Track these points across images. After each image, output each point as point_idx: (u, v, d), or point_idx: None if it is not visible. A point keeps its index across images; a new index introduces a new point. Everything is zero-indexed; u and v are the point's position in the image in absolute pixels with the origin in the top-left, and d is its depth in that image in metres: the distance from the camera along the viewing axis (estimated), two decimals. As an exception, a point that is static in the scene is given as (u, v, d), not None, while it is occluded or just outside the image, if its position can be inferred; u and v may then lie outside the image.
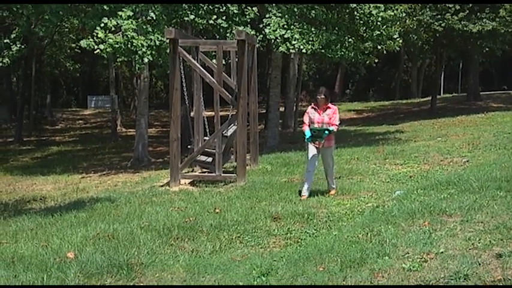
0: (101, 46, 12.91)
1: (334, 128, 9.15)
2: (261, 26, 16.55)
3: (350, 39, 17.35)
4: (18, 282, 5.49)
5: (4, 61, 16.76)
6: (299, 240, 7.07)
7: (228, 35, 15.67)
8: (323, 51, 16.87)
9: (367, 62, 20.40)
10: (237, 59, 12.62)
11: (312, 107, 9.30)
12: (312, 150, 9.27)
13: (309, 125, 9.19)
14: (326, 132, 9.01)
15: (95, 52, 13.17)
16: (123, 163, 21.30)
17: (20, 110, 33.09)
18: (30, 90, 33.48)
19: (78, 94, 51.52)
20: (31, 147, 29.49)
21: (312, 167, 9.30)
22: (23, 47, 16.35)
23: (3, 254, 6.80)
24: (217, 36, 16.25)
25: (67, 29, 28.57)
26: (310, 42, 16.20)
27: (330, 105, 9.25)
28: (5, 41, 15.98)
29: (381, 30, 17.53)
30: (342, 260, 5.34)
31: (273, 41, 16.20)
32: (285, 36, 15.87)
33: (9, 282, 5.47)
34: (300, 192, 9.45)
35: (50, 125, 38.56)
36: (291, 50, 16.45)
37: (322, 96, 9.14)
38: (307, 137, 9.14)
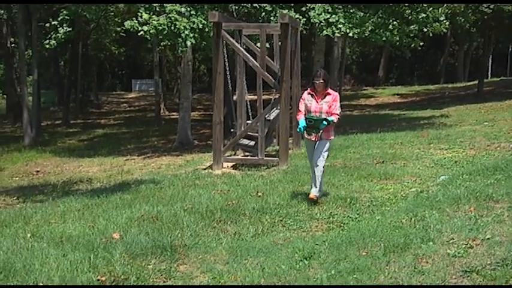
0: (145, 27, 13.03)
1: (334, 118, 7.79)
2: (304, 9, 16.42)
3: (395, 22, 17.07)
4: (67, 261, 5.64)
5: (51, 43, 17.11)
6: (341, 224, 7.04)
7: (271, 18, 15.61)
8: (368, 34, 16.65)
9: (412, 45, 20.06)
10: (280, 43, 12.56)
11: (309, 93, 7.90)
12: (309, 148, 8.13)
13: (305, 114, 7.89)
14: (324, 122, 7.71)
15: (139, 34, 13.31)
16: (166, 146, 21.56)
17: (67, 93, 33.75)
18: (77, 74, 34.08)
19: (123, 78, 52.20)
20: (77, 129, 30.11)
21: (311, 165, 8.22)
22: (69, 29, 16.62)
23: (52, 233, 6.99)
24: (261, 20, 16.20)
25: (112, 13, 28.90)
26: (356, 26, 15.99)
27: (329, 90, 7.89)
28: (53, 22, 16.26)
29: (427, 13, 17.18)
30: (385, 244, 5.31)
31: (317, 24, 16.07)
32: (330, 20, 15.70)
33: (58, 261, 5.62)
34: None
35: (95, 108, 39.24)
36: (336, 34, 16.28)
37: (321, 81, 7.76)
38: (300, 126, 7.88)
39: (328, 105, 7.80)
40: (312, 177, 8.10)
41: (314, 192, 7.90)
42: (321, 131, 7.83)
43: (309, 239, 6.36)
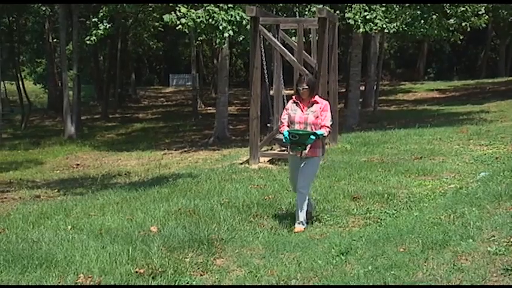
0: (183, 20, 13.10)
1: (324, 132, 6.68)
2: (340, 5, 16.31)
3: (434, 16, 16.81)
4: (106, 253, 5.73)
5: (91, 39, 17.40)
6: (379, 220, 6.99)
7: (306, 13, 15.55)
8: (405, 28, 16.44)
9: (452, 39, 19.72)
10: (317, 37, 12.50)
11: (294, 101, 6.85)
12: (292, 166, 7.01)
13: (289, 126, 6.84)
14: (312, 137, 6.59)
15: (177, 28, 13.39)
16: (203, 140, 21.70)
17: (106, 88, 34.25)
18: (116, 68, 34.55)
19: (161, 72, 52.63)
20: (116, 123, 30.54)
21: (294, 188, 7.12)
22: (109, 26, 16.87)
23: (92, 225, 7.12)
24: (296, 10, 16.15)
25: (151, 8, 29.17)
26: (393, 20, 15.80)
27: (317, 98, 6.82)
28: (93, 19, 16.52)
29: (466, 6, 16.87)
30: (424, 241, 5.25)
31: (353, 22, 15.94)
32: (367, 17, 15.55)
33: (98, 253, 5.72)
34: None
35: (133, 103, 39.70)
36: (373, 30, 16.13)
37: (305, 87, 6.67)
38: (285, 136, 6.77)
39: (315, 115, 6.72)
40: (297, 205, 6.94)
41: (299, 226, 6.81)
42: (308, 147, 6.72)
43: (346, 235, 6.33)
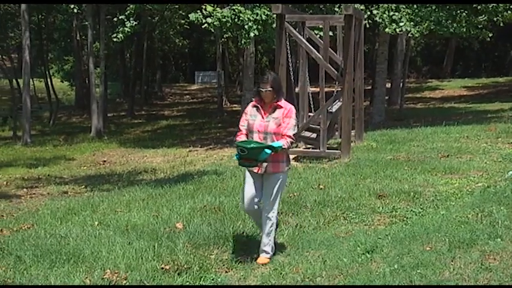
0: (209, 20, 13.16)
1: (283, 143, 5.45)
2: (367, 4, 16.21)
3: (463, 13, 16.60)
4: (132, 249, 5.79)
5: (118, 36, 17.59)
6: (405, 218, 6.93)
7: (336, 9, 15.49)
8: (433, 27, 16.27)
9: (481, 36, 19.46)
10: (343, 34, 12.44)
11: (254, 105, 5.69)
12: (248, 180, 5.74)
13: (247, 134, 5.68)
14: (267, 151, 5.35)
15: (203, 26, 13.45)
16: (228, 138, 21.73)
17: (132, 85, 34.52)
18: (142, 66, 34.79)
19: (186, 70, 52.85)
20: (142, 120, 30.77)
21: (251, 208, 5.76)
22: (135, 23, 17.01)
23: (118, 221, 7.19)
24: (324, 10, 16.09)
25: (177, 6, 29.30)
26: (419, 24, 15.66)
27: (281, 102, 5.61)
28: (120, 17, 16.67)
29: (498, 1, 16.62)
30: (450, 240, 5.20)
31: (381, 20, 15.83)
32: (394, 17, 15.43)
33: (124, 249, 5.78)
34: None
35: (159, 100, 39.94)
36: (397, 31, 16.00)
37: (268, 88, 5.52)
38: (235, 156, 5.55)
39: (276, 122, 5.54)
40: (262, 229, 5.81)
41: (264, 256, 5.73)
42: (266, 161, 5.49)
43: (371, 233, 6.30)
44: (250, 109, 5.70)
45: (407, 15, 15.46)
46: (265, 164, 5.53)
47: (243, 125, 5.70)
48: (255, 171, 5.62)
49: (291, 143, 5.56)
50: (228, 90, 37.60)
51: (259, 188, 5.68)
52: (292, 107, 5.65)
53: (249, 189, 5.68)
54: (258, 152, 5.34)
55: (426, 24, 15.68)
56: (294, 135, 5.58)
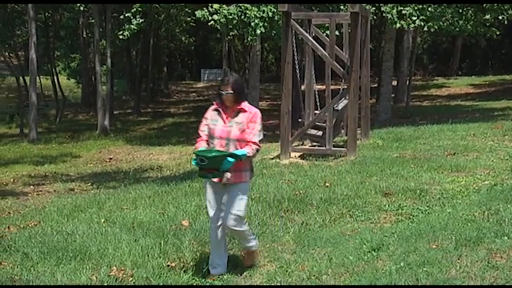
0: (215, 17, 13.15)
1: (248, 151, 5.03)
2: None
3: (470, 10, 16.54)
4: (138, 246, 5.81)
5: (124, 34, 17.63)
6: (411, 216, 6.92)
7: (342, 7, 15.47)
8: (441, 24, 16.22)
9: (488, 34, 19.39)
10: (349, 32, 12.41)
11: (215, 109, 5.24)
12: (209, 190, 5.30)
13: (208, 141, 5.23)
14: (229, 160, 4.91)
15: (209, 24, 13.44)
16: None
17: (138, 82, 34.57)
18: (148, 63, 34.84)
19: (192, 67, 52.87)
20: (148, 118, 30.82)
21: (214, 221, 5.34)
22: (142, 21, 17.02)
23: (124, 219, 7.21)
24: (330, 8, 16.07)
25: (183, 4, 29.31)
26: (429, 20, 15.61)
27: (244, 105, 5.16)
28: (126, 14, 16.68)
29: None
30: (457, 238, 5.19)
31: (389, 16, 15.79)
32: (403, 12, 15.38)
33: (130, 246, 5.80)
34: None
35: (165, 98, 39.98)
36: (410, 26, 15.94)
37: (229, 91, 5.08)
38: (194, 163, 5.06)
39: (240, 128, 5.08)
40: (213, 243, 5.39)
41: (216, 272, 5.35)
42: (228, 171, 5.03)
43: (377, 231, 6.29)
44: (210, 113, 5.24)
45: (414, 11, 15.40)
46: (227, 175, 5.04)
47: (203, 130, 5.24)
48: (216, 181, 5.15)
49: (257, 150, 5.10)
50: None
51: (221, 201, 5.24)
52: (258, 111, 5.19)
53: (212, 203, 5.27)
54: (220, 160, 4.86)
55: (436, 22, 15.63)
56: (259, 141, 5.11)
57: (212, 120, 5.19)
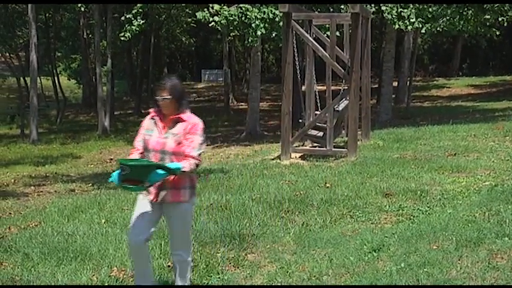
0: (216, 18, 13.16)
1: (185, 166, 4.34)
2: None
3: (470, 11, 16.54)
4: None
5: (126, 35, 17.65)
6: (411, 217, 6.92)
7: (342, 7, 15.48)
8: (440, 24, 16.23)
9: (488, 34, 19.38)
10: (350, 32, 12.41)
11: (152, 117, 4.61)
12: (140, 207, 4.58)
13: (143, 152, 4.54)
14: (159, 172, 4.22)
15: (210, 25, 13.46)
16: (235, 136, 21.75)
17: (139, 83, 34.58)
18: (149, 64, 34.85)
19: (193, 68, 52.86)
20: (149, 119, 30.76)
21: (139, 244, 4.49)
22: (143, 22, 17.04)
23: (125, 219, 7.18)
24: (331, 9, 16.07)
25: (183, 4, 29.36)
26: (428, 21, 15.62)
27: (184, 115, 4.52)
28: (127, 16, 16.70)
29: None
30: (457, 239, 5.19)
31: (390, 16, 15.79)
32: (402, 14, 15.38)
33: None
34: None
35: (166, 98, 39.90)
36: (408, 27, 15.94)
37: (166, 96, 4.47)
38: (112, 178, 4.32)
39: (176, 139, 4.42)
40: (137, 266, 4.62)
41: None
42: (164, 188, 4.42)
43: (378, 231, 6.29)
44: (147, 122, 4.61)
45: (414, 13, 15.41)
46: (163, 192, 4.41)
47: (138, 140, 4.59)
48: (151, 199, 4.47)
49: (196, 165, 4.40)
50: (234, 89, 37.57)
51: (154, 220, 4.55)
52: (200, 121, 4.53)
53: (139, 219, 4.50)
54: (145, 172, 4.17)
55: (435, 24, 15.64)
56: (199, 155, 4.41)
57: (147, 130, 4.55)
